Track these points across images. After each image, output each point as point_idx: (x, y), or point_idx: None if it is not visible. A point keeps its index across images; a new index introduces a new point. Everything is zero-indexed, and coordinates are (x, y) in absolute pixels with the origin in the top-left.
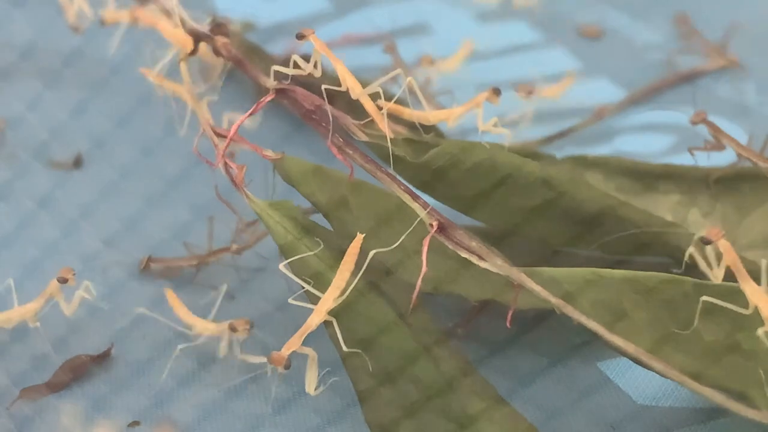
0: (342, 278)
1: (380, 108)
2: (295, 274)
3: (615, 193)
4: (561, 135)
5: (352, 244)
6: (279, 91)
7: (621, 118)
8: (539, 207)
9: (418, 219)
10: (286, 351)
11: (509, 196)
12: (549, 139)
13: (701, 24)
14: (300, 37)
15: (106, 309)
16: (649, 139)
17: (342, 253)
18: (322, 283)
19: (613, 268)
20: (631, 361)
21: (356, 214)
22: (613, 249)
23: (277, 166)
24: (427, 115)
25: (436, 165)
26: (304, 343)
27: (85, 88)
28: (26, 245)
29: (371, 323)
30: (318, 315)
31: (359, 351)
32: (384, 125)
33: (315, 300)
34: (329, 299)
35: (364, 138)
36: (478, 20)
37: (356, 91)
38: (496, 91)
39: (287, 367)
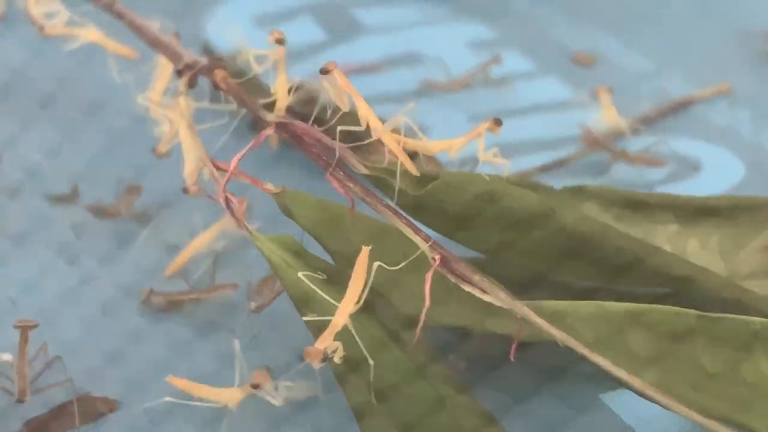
0: (357, 286)
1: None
2: (298, 308)
3: (613, 223)
4: (557, 165)
5: (359, 256)
6: (279, 125)
7: (616, 147)
8: (539, 239)
9: (419, 251)
10: (320, 345)
11: (508, 229)
12: (544, 168)
13: (695, 53)
14: (324, 71)
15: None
16: (644, 168)
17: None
18: (326, 315)
19: (610, 298)
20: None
21: (357, 248)
22: (612, 280)
23: (278, 199)
24: (428, 144)
25: (436, 197)
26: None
27: (67, 123)
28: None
29: (367, 346)
30: (342, 315)
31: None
32: (408, 163)
33: (316, 331)
34: (350, 301)
35: (363, 171)
36: (470, 48)
37: (378, 129)
38: (497, 122)
39: (323, 360)
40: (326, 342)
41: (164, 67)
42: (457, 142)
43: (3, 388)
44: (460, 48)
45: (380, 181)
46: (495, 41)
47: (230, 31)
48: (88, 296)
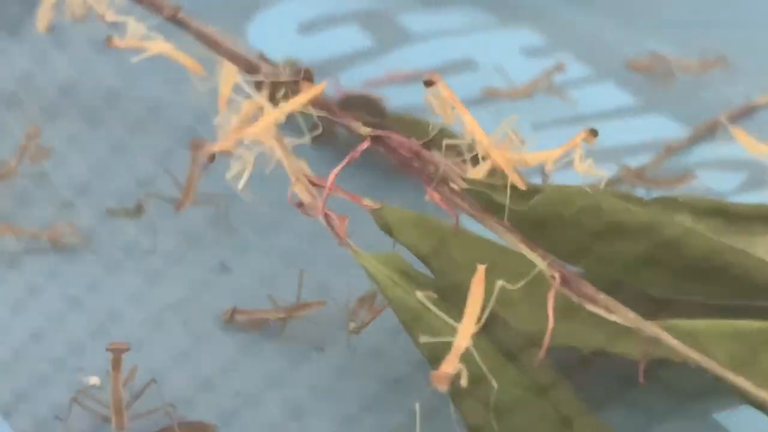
0: (474, 306)
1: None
2: (407, 328)
3: (710, 235)
4: (636, 174)
5: (476, 275)
6: (374, 138)
7: (685, 155)
8: (645, 254)
9: (537, 269)
10: (446, 369)
11: (615, 244)
12: (619, 179)
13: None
14: (428, 84)
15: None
16: (718, 176)
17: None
18: (438, 335)
19: (718, 315)
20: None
21: (462, 265)
22: (718, 295)
23: (376, 215)
24: (525, 156)
25: (540, 212)
26: None
27: (127, 128)
28: (112, 295)
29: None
30: (464, 337)
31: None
32: (516, 177)
33: (428, 351)
34: (470, 322)
35: (462, 185)
36: (524, 55)
37: (484, 143)
38: (593, 132)
39: (450, 383)
40: (452, 365)
41: (228, 75)
42: (554, 154)
43: (96, 412)
44: (515, 54)
45: (480, 196)
46: (548, 47)
47: (275, 39)
48: (171, 314)
